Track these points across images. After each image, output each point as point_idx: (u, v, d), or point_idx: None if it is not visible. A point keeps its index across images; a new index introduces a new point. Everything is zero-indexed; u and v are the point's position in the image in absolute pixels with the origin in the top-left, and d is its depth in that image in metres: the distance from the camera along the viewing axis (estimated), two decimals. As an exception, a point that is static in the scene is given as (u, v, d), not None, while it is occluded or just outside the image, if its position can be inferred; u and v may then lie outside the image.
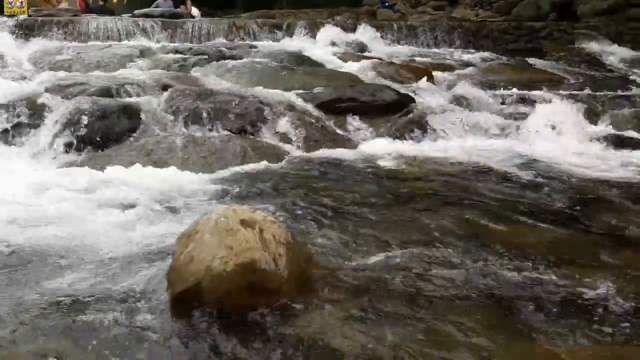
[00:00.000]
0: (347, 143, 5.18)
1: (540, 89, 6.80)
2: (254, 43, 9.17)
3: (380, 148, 5.03)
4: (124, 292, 2.34)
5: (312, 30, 9.94)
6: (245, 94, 5.50)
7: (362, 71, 7.43)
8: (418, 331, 2.09)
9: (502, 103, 6.07)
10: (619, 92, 6.78)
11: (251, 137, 4.96)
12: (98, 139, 4.68)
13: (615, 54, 9.48)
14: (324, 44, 9.40)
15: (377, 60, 8.03)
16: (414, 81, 7.09)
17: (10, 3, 9.86)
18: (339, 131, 5.35)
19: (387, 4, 16.47)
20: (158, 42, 9.01)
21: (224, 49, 8.27)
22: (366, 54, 9.06)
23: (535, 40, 10.33)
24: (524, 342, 2.05)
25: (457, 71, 8.06)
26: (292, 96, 5.73)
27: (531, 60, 8.80)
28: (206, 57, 7.61)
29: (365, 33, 10.06)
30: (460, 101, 5.96)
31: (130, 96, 5.46)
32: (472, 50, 9.73)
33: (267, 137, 5.00)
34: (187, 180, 3.95)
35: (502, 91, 6.56)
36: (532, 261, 2.67)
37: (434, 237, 2.97)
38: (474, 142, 5.32)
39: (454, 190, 3.84)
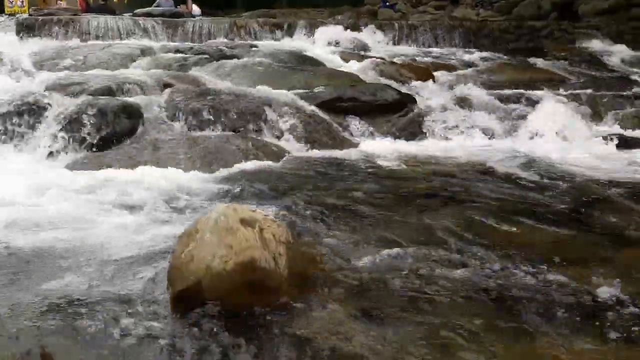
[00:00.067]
0: (348, 142, 5.18)
1: (541, 89, 6.79)
2: (255, 42, 9.16)
3: (381, 147, 5.03)
4: (124, 291, 2.33)
5: (313, 29, 9.94)
6: (245, 94, 5.50)
7: (362, 71, 7.42)
8: (419, 331, 2.09)
9: (503, 103, 6.06)
10: (621, 92, 6.77)
11: (251, 136, 4.95)
12: (98, 138, 4.67)
13: (616, 54, 9.47)
14: (324, 44, 9.39)
15: (378, 59, 8.01)
16: (415, 81, 7.09)
17: (11, 2, 9.89)
18: (339, 131, 5.34)
19: (388, 3, 16.46)
20: (159, 41, 9.01)
21: (224, 48, 8.26)
22: (367, 53, 9.05)
23: (536, 39, 10.31)
24: (526, 342, 2.04)
25: (458, 71, 8.05)
26: (292, 96, 5.72)
27: (532, 60, 8.79)
28: (207, 56, 7.61)
29: (366, 32, 10.06)
30: (461, 101, 5.95)
31: (130, 95, 5.46)
32: (473, 50, 9.72)
33: (267, 136, 5.00)
34: (188, 180, 3.95)
35: (503, 91, 6.54)
36: (535, 261, 2.66)
37: (435, 237, 2.97)
38: (475, 141, 5.32)
39: (455, 190, 3.83)
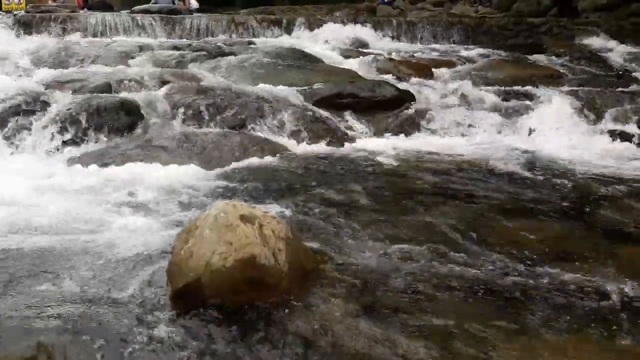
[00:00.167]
0: (347, 139, 5.16)
1: (541, 85, 6.77)
2: (253, 39, 9.16)
3: (379, 144, 5.02)
4: (123, 288, 2.33)
5: (312, 26, 9.93)
6: (244, 90, 5.49)
7: (361, 67, 7.42)
8: (419, 327, 2.09)
9: (502, 99, 6.04)
10: (620, 88, 6.75)
11: (250, 133, 4.95)
12: (97, 135, 4.66)
13: (616, 50, 9.46)
14: (323, 40, 9.39)
15: (376, 56, 8.01)
16: (414, 77, 7.08)
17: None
18: (338, 127, 5.33)
19: (386, 0, 16.44)
20: (157, 38, 8.99)
21: (223, 45, 8.25)
22: (366, 50, 9.04)
23: (535, 36, 10.31)
24: (526, 338, 2.04)
25: (457, 67, 8.03)
26: (291, 92, 5.71)
27: (531, 57, 8.78)
28: (205, 53, 7.59)
29: (364, 29, 10.05)
30: (460, 97, 5.93)
31: (129, 92, 5.44)
32: (472, 46, 9.70)
33: (266, 133, 4.99)
34: (186, 176, 3.94)
35: (502, 87, 6.53)
36: (537, 259, 2.66)
37: (435, 234, 2.97)
38: (474, 138, 5.30)
39: (455, 187, 3.83)
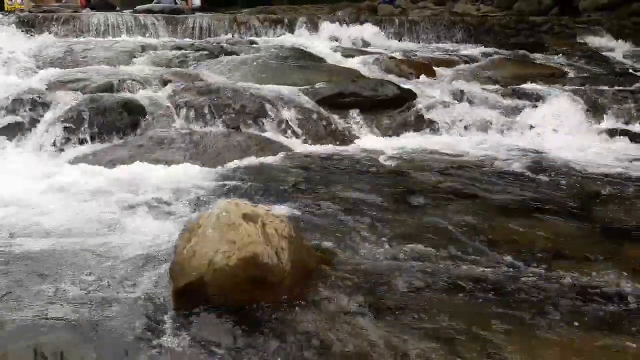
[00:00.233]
0: (349, 138, 5.17)
1: (543, 84, 6.77)
2: (255, 39, 9.17)
3: (381, 143, 5.03)
4: (126, 287, 2.33)
5: (314, 25, 9.94)
6: (246, 90, 5.50)
7: (363, 66, 7.43)
8: (422, 326, 2.09)
9: (504, 98, 6.04)
10: (622, 87, 6.75)
11: (253, 132, 4.95)
12: (100, 135, 4.67)
13: (617, 49, 9.45)
14: (325, 40, 9.40)
15: (378, 55, 8.01)
16: (416, 76, 7.09)
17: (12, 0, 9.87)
18: (341, 126, 5.33)
19: (388, -1, 16.44)
20: (159, 38, 9.00)
21: (225, 45, 8.26)
22: (368, 49, 9.05)
23: (537, 35, 10.31)
24: (530, 336, 2.04)
25: (459, 66, 8.05)
26: (293, 92, 5.71)
27: (533, 56, 8.78)
28: (207, 53, 7.61)
29: (366, 29, 10.05)
30: (462, 96, 5.93)
31: (132, 92, 5.46)
32: (474, 46, 9.71)
33: (268, 132, 4.99)
34: (189, 176, 3.94)
35: (504, 86, 6.53)
36: (540, 257, 2.67)
37: (437, 233, 2.97)
38: (476, 137, 5.31)
39: (457, 186, 3.83)
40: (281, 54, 7.59)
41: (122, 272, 2.48)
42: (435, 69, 7.61)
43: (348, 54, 8.28)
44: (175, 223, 3.01)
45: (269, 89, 5.66)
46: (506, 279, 2.45)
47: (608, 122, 5.77)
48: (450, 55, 8.82)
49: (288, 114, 5.18)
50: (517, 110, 5.74)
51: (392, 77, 6.95)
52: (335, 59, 7.96)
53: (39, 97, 4.98)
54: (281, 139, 4.94)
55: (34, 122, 4.76)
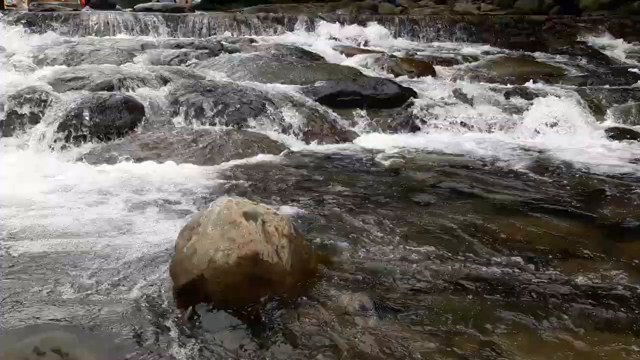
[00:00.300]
0: (349, 136, 5.17)
1: (543, 83, 6.77)
2: (255, 37, 9.17)
3: (382, 142, 5.03)
4: (128, 285, 2.33)
5: (314, 24, 9.94)
6: (246, 88, 5.49)
7: (363, 65, 7.42)
8: (424, 325, 2.09)
9: (505, 97, 6.04)
10: (623, 86, 6.74)
11: (252, 130, 4.95)
12: (99, 133, 4.66)
13: (618, 47, 9.45)
14: (325, 38, 9.40)
15: (378, 54, 8.01)
16: (416, 75, 7.09)
17: (11, -3, 9.87)
18: (340, 125, 5.33)
19: (388, -2, 16.41)
20: (159, 36, 9.01)
21: (225, 43, 8.26)
22: (368, 47, 9.05)
23: (537, 33, 10.30)
24: (531, 334, 2.04)
25: (459, 65, 8.04)
26: (293, 90, 5.71)
27: (534, 54, 8.77)
28: (207, 51, 7.61)
29: (366, 27, 10.05)
30: (462, 95, 5.93)
31: (131, 90, 5.45)
32: (474, 44, 9.71)
33: (268, 130, 4.99)
34: (189, 174, 3.94)
35: (504, 85, 6.53)
36: (540, 255, 2.66)
37: (438, 231, 2.97)
38: (476, 136, 5.30)
39: (457, 185, 3.83)
40: (281, 52, 7.59)
41: (123, 270, 2.47)
42: (436, 67, 7.61)
43: (348, 52, 8.27)
44: (175, 221, 3.01)
45: (269, 87, 5.67)
46: (508, 278, 2.45)
47: (609, 121, 5.77)
48: (450, 53, 8.82)
49: (288, 113, 5.18)
50: (517, 109, 5.73)
51: (392, 76, 6.95)
52: (335, 57, 7.96)
53: (39, 96, 4.97)
54: (281, 137, 4.93)
55: (33, 120, 4.75)
